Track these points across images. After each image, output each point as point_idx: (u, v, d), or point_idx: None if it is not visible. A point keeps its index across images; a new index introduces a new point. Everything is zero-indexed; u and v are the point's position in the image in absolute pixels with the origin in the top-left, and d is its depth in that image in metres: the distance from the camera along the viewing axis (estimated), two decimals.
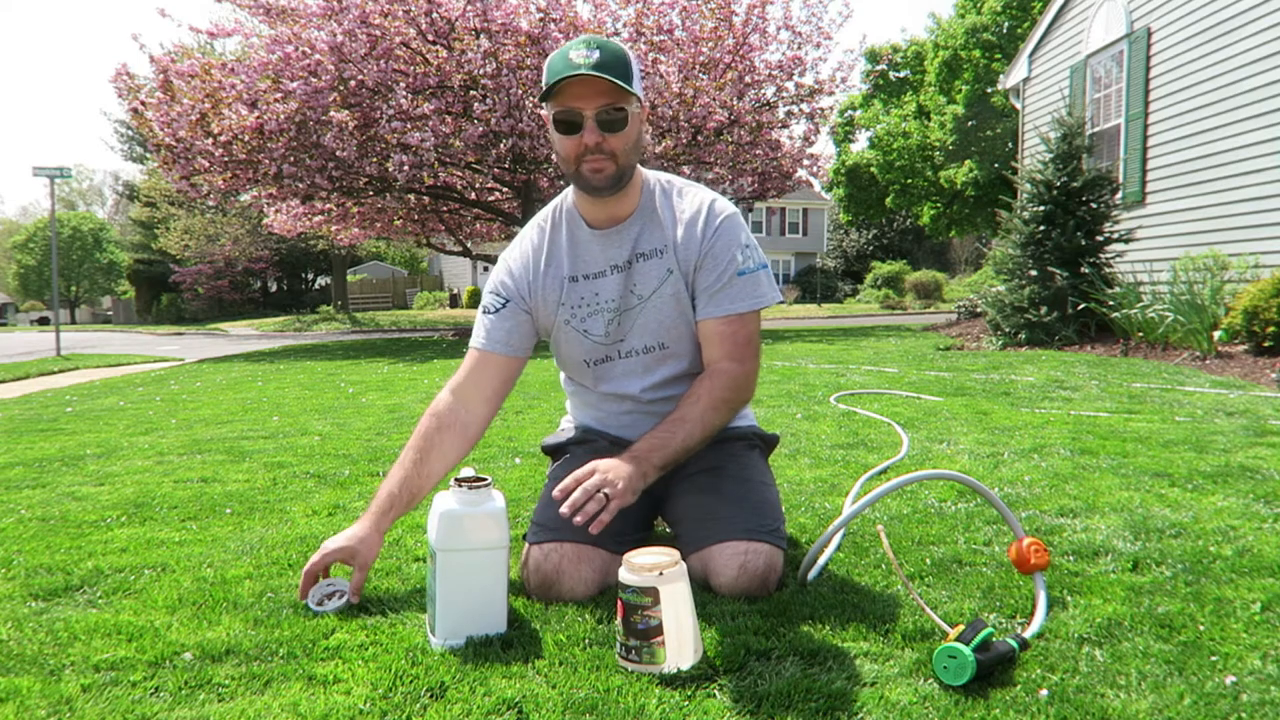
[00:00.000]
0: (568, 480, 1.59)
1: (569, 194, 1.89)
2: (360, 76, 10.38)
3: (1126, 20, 9.38)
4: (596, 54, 1.68)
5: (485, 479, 1.55)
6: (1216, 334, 6.31)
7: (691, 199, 1.86)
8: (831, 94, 12.83)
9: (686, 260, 1.83)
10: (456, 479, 1.55)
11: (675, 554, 1.43)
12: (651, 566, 1.41)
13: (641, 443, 1.70)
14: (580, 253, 1.86)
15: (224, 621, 1.62)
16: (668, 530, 2.02)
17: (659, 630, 1.39)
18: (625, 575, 1.41)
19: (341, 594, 1.68)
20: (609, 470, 1.60)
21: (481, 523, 1.52)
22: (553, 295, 1.87)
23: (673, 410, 1.76)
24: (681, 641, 1.41)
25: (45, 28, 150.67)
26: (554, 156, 1.97)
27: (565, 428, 2.11)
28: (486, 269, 33.95)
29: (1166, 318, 6.72)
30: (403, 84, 10.52)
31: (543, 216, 1.92)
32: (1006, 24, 22.24)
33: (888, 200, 26.68)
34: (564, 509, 1.55)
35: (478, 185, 13.59)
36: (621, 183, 1.78)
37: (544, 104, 1.76)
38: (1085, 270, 7.75)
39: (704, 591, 1.71)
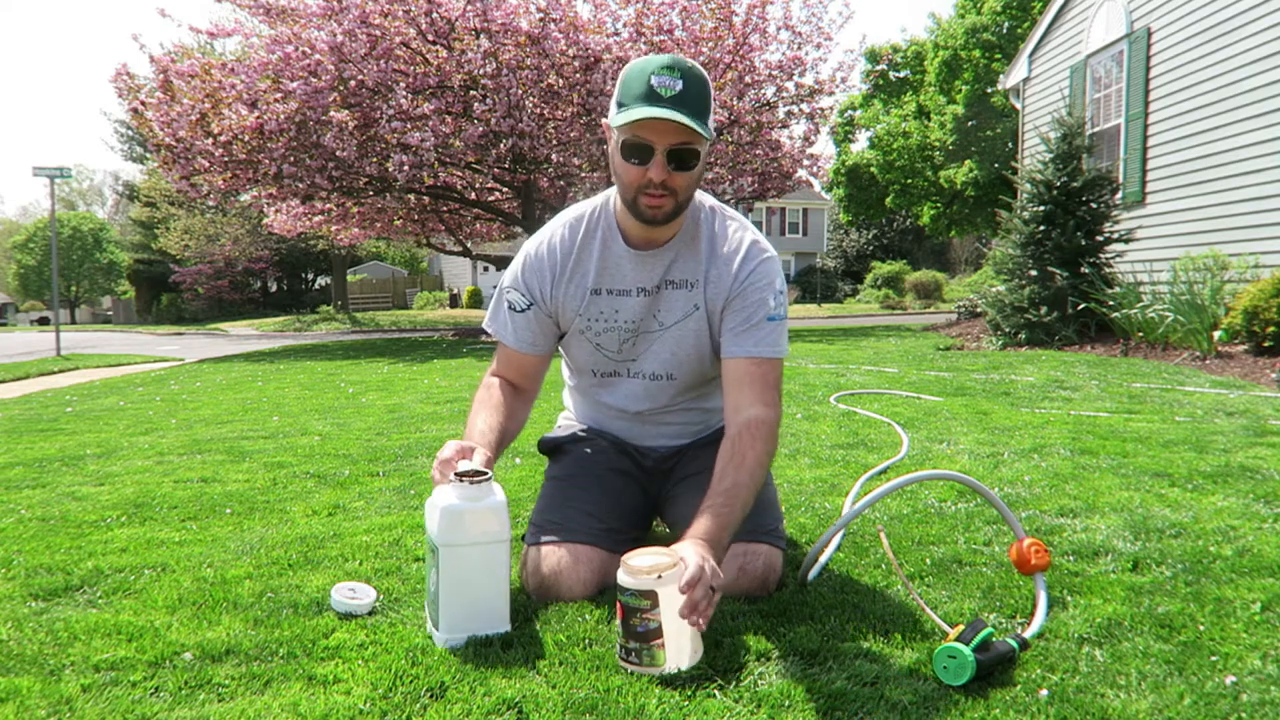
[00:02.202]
0: (693, 571, 1.40)
1: (613, 201, 1.81)
2: (360, 76, 10.38)
3: (1126, 20, 9.38)
4: (679, 84, 1.60)
5: (486, 473, 1.55)
6: (1216, 334, 6.31)
7: (734, 234, 1.79)
8: (831, 94, 12.83)
9: (715, 298, 1.78)
10: (457, 473, 1.54)
11: (674, 555, 1.43)
12: (649, 569, 1.40)
13: (708, 524, 1.52)
14: (610, 267, 1.81)
15: (224, 621, 1.62)
16: (667, 530, 2.02)
17: (658, 633, 1.39)
18: (623, 578, 1.41)
19: (367, 596, 1.68)
20: (708, 563, 1.43)
21: (483, 517, 1.52)
22: (573, 304, 1.83)
23: (721, 473, 1.61)
24: (681, 644, 1.40)
25: (45, 28, 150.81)
26: (612, 176, 1.89)
27: (564, 425, 2.11)
28: (486, 269, 33.96)
29: (1166, 318, 6.72)
30: (403, 84, 10.53)
31: (577, 216, 1.84)
32: (1006, 24, 22.23)
33: (888, 200, 26.67)
34: (685, 610, 1.38)
35: (478, 185, 13.60)
36: (676, 215, 1.73)
37: (613, 118, 1.66)
38: (1085, 270, 7.76)
39: None
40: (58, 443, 3.93)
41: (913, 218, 31.85)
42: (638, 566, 1.40)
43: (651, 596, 1.39)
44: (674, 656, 1.40)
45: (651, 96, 1.60)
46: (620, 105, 1.65)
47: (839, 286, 38.10)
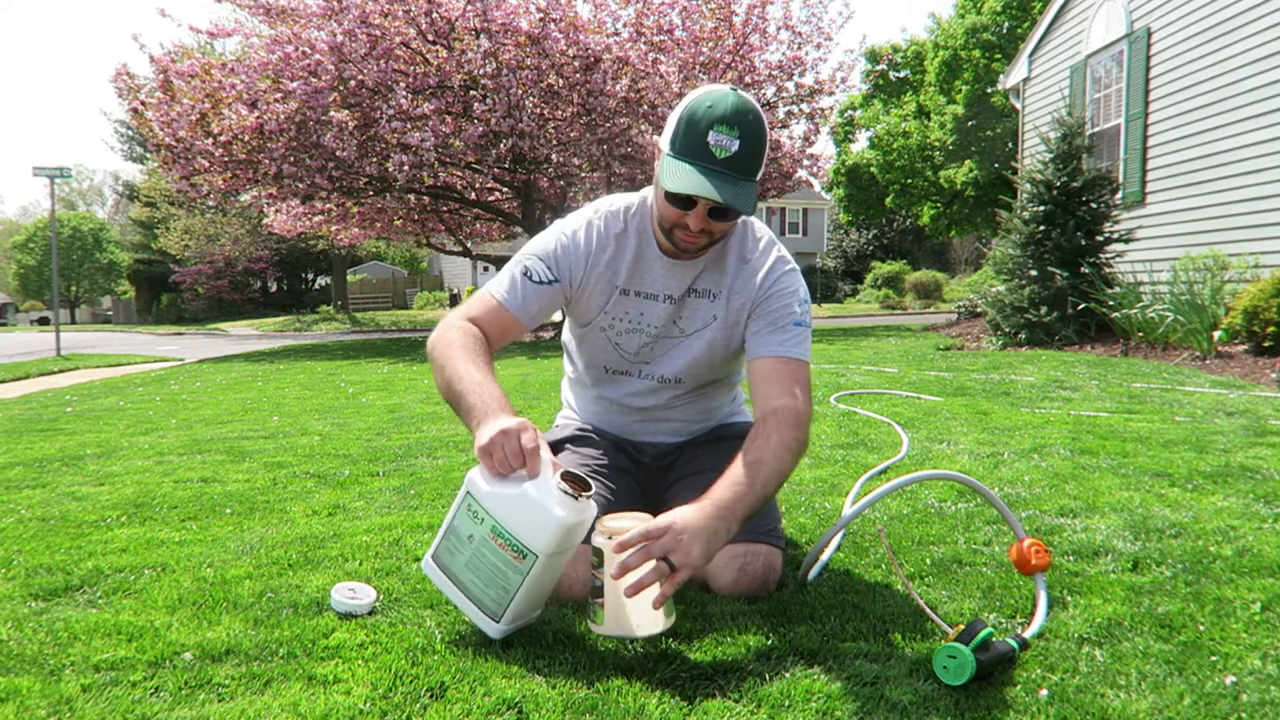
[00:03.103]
0: (634, 533, 1.39)
1: (650, 202, 1.80)
2: (360, 76, 10.37)
3: (1126, 20, 9.38)
4: (736, 145, 1.58)
5: (592, 486, 1.49)
6: (1216, 334, 6.31)
7: (762, 249, 1.81)
8: (831, 94, 12.82)
9: (739, 308, 1.79)
10: (564, 477, 1.45)
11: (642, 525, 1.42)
12: (605, 529, 1.43)
13: (722, 492, 1.50)
14: (642, 270, 1.81)
15: (224, 621, 1.62)
16: None
17: (600, 592, 1.43)
18: (594, 533, 1.45)
19: (367, 596, 1.68)
20: (685, 530, 1.40)
21: (584, 530, 1.50)
22: (598, 300, 1.82)
23: (745, 450, 1.59)
24: (619, 610, 1.41)
25: (45, 28, 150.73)
26: (650, 206, 1.82)
27: (561, 424, 2.11)
28: (486, 269, 33.91)
29: (1166, 318, 6.72)
30: (403, 84, 10.52)
31: (613, 211, 1.82)
32: (1006, 24, 22.22)
33: (888, 200, 26.65)
34: (614, 570, 1.37)
35: (478, 185, 13.59)
36: (708, 249, 1.75)
37: (663, 163, 1.64)
38: (1085, 270, 7.76)
39: (704, 592, 1.71)
40: (58, 443, 3.93)
41: (913, 218, 31.83)
42: (603, 524, 1.43)
43: (600, 555, 1.42)
44: (610, 621, 1.42)
45: (706, 155, 1.58)
46: (673, 148, 1.62)
47: (839, 286, 38.10)
